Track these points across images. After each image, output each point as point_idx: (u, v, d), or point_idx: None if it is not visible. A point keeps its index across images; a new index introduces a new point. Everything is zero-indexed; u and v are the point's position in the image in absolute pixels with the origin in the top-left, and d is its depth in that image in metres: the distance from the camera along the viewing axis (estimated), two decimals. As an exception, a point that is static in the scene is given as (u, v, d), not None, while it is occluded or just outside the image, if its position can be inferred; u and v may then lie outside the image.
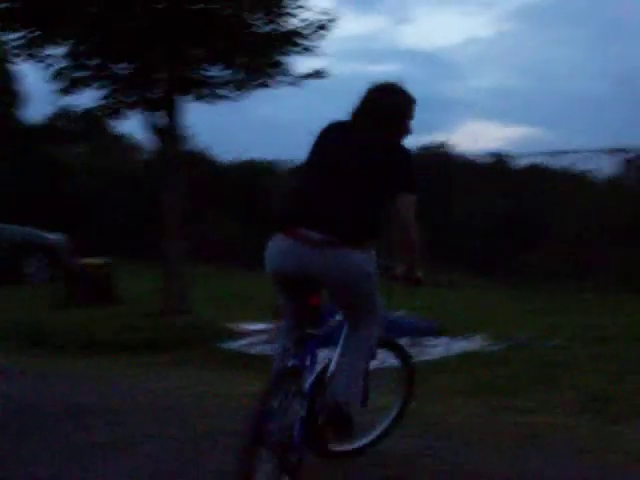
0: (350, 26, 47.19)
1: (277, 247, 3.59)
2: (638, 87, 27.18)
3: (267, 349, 7.11)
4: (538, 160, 14.68)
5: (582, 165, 13.62)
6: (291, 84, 9.62)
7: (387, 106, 3.77)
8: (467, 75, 43.09)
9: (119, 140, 21.07)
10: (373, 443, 4.27)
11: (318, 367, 3.74)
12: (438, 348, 7.41)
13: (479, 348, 7.28)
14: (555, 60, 37.07)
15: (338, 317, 3.90)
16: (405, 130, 3.82)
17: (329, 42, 9.89)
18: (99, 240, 15.26)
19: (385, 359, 4.31)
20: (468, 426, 4.80)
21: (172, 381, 6.39)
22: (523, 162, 15.06)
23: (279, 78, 9.52)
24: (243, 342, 7.96)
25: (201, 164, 16.97)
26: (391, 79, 3.86)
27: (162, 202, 9.31)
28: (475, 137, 38.15)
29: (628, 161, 13.74)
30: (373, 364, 4.00)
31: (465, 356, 6.95)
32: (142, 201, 16.15)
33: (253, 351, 7.52)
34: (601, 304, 10.36)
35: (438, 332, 7.96)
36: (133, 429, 4.73)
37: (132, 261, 14.82)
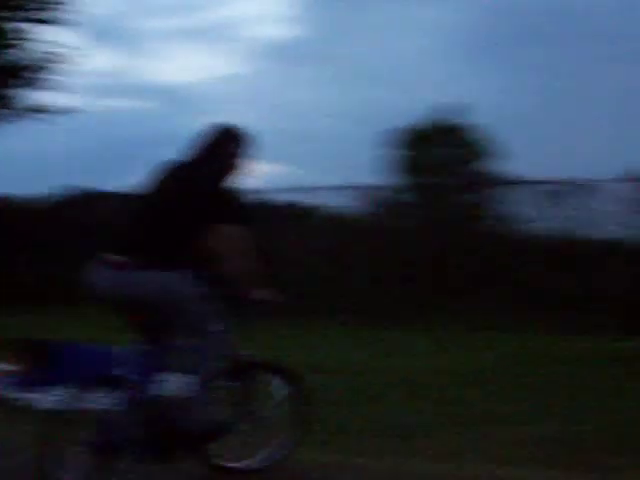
0: (100, 61, 46.26)
1: (92, 273, 3.94)
2: (377, 126, 28.94)
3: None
4: (288, 196, 15.04)
5: (324, 201, 14.20)
6: (20, 118, 9.10)
7: (215, 145, 4.09)
8: (214, 112, 43.48)
9: None
10: (273, 460, 4.51)
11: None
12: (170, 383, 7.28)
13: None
14: (298, 99, 38.41)
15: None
16: (233, 168, 4.11)
17: (77, 77, 9.60)
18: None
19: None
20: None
21: None
22: (277, 198, 15.36)
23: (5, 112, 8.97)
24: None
25: None
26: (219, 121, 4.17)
27: None
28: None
29: (366, 197, 14.50)
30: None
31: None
32: None
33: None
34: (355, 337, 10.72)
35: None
36: None
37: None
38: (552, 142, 24.43)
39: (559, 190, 12.65)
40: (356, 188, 14.10)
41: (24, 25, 8.85)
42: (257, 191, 15.46)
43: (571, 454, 4.88)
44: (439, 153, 18.69)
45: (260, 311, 4.25)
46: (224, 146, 4.13)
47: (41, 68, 8.74)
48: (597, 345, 9.82)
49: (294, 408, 4.55)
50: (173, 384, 4.09)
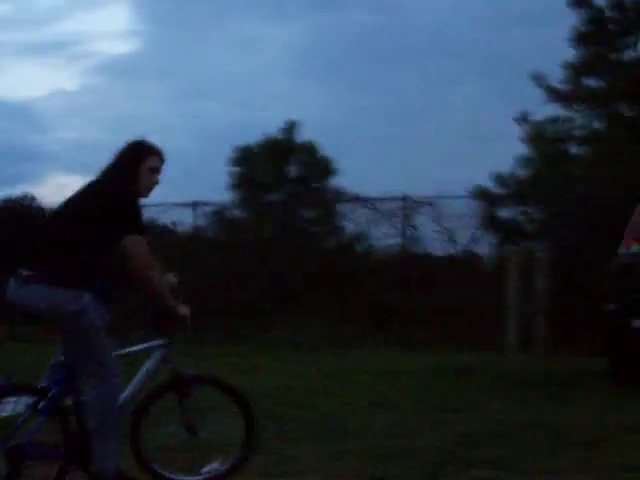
0: None
1: (8, 287, 3.97)
2: (221, 144, 28.92)
3: None
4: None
5: (164, 217, 14.12)
6: None
7: (119, 158, 4.10)
8: (52, 127, 42.09)
9: None
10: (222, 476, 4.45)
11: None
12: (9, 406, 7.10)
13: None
14: (139, 114, 37.81)
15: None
16: (137, 179, 4.06)
17: None
18: None
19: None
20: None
21: None
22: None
23: None
24: None
25: None
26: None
27: None
28: (65, 190, 37.50)
29: (209, 213, 14.53)
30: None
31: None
32: None
33: None
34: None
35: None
36: None
37: None
38: (395, 160, 25.21)
39: (398, 207, 13.05)
40: (190, 205, 14.05)
41: None
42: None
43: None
44: (276, 170, 18.87)
45: (182, 326, 4.23)
46: (134, 161, 4.11)
47: None
48: (437, 359, 10.18)
49: (239, 425, 4.48)
50: (86, 395, 4.06)
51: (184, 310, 4.16)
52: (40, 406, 4.02)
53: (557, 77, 16.83)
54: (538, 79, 16.74)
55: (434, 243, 12.97)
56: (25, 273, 3.92)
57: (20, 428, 4.00)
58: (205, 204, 14.21)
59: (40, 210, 15.04)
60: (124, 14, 44.83)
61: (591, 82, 16.97)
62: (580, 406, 7.03)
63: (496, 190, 15.83)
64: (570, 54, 16.76)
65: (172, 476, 4.46)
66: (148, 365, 4.30)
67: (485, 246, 13.48)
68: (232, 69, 36.78)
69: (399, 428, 6.13)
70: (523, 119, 17.26)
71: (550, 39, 27.61)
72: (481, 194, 14.38)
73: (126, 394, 4.16)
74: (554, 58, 17.25)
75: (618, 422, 6.28)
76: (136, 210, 4.01)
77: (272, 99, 34.03)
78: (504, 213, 14.19)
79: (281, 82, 34.06)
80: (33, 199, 15.76)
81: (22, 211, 15.06)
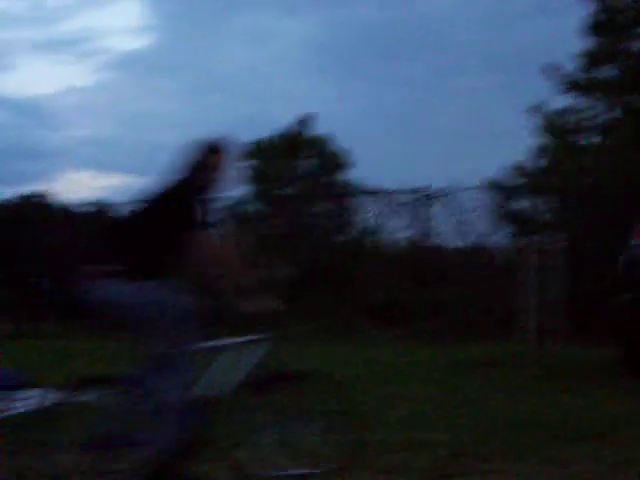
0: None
1: (80, 285, 4.02)
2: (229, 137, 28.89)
3: None
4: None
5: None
6: None
7: (184, 157, 4.18)
8: (66, 124, 42.33)
9: None
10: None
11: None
12: (31, 400, 7.12)
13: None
14: (152, 110, 38.05)
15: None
16: (200, 177, 4.13)
17: None
18: None
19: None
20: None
21: None
22: (125, 209, 15.11)
23: None
24: None
25: None
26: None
27: None
28: (75, 186, 37.73)
29: (223, 208, 14.56)
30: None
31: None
32: None
33: None
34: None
35: (30, 384, 7.61)
36: None
37: None
38: (406, 152, 25.25)
39: (412, 200, 13.06)
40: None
41: None
42: (105, 203, 15.24)
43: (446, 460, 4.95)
44: (289, 164, 18.89)
45: (261, 321, 4.19)
46: (197, 159, 4.19)
47: None
48: (453, 351, 10.24)
49: (337, 424, 4.29)
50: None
51: (248, 307, 4.11)
52: (126, 397, 4.06)
53: (568, 68, 16.79)
54: (550, 70, 16.70)
55: (448, 235, 12.96)
56: (92, 270, 3.98)
57: (103, 418, 4.07)
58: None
59: (61, 207, 15.17)
60: (136, 10, 45.20)
61: (602, 72, 16.92)
62: (595, 397, 7.05)
63: (510, 181, 15.85)
64: (582, 45, 16.73)
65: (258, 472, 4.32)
66: (244, 359, 4.19)
67: (500, 238, 13.49)
68: (244, 63, 36.93)
69: (414, 420, 6.16)
70: (536, 110, 17.25)
71: (561, 31, 27.54)
72: (495, 186, 14.38)
73: (219, 388, 4.12)
74: (565, 50, 17.26)
75: (632, 413, 6.31)
76: (195, 207, 4.05)
77: (284, 93, 34.16)
78: (518, 204, 14.17)
79: (294, 76, 34.22)
80: (51, 196, 15.91)
81: (40, 208, 15.20)
